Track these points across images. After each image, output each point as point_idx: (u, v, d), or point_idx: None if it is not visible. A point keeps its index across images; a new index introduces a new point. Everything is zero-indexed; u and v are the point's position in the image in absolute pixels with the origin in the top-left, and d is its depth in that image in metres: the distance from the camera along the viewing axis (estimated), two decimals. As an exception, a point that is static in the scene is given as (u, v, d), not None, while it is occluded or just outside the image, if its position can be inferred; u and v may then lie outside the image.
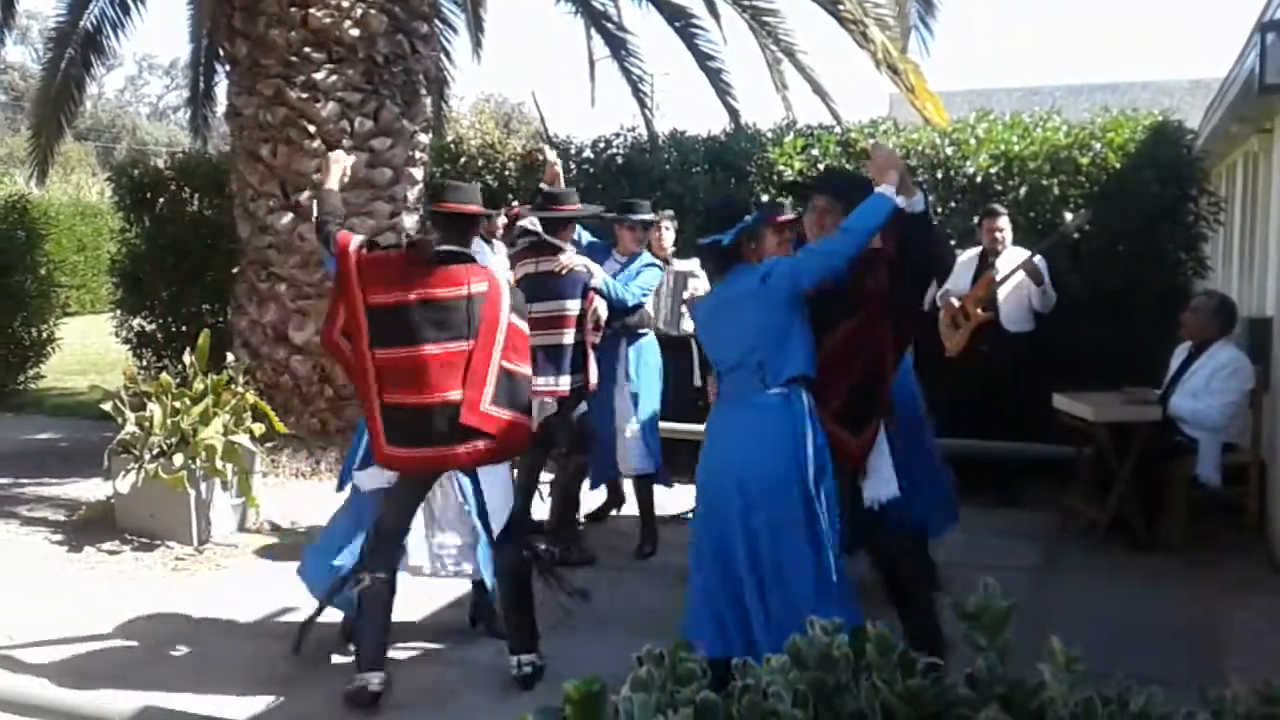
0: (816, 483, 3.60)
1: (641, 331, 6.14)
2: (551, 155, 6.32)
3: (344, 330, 4.10)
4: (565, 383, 5.56)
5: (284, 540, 6.19)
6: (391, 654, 4.39)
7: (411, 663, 4.39)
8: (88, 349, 14.29)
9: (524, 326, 4.20)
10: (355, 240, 4.16)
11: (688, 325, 7.28)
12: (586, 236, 6.14)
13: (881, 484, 4.05)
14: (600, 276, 5.65)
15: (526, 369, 4.20)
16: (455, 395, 3.97)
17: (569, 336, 5.57)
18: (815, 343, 3.78)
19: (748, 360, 3.74)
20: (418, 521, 4.25)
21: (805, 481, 3.58)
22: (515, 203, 6.95)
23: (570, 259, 5.60)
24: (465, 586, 5.26)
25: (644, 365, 6.12)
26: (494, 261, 6.94)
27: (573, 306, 5.57)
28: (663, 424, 6.49)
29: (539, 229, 5.74)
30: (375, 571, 4.05)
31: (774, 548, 3.59)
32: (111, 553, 5.94)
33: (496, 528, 4.14)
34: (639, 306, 5.95)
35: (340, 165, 4.61)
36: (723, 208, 4.17)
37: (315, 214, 4.46)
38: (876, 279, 3.90)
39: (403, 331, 3.97)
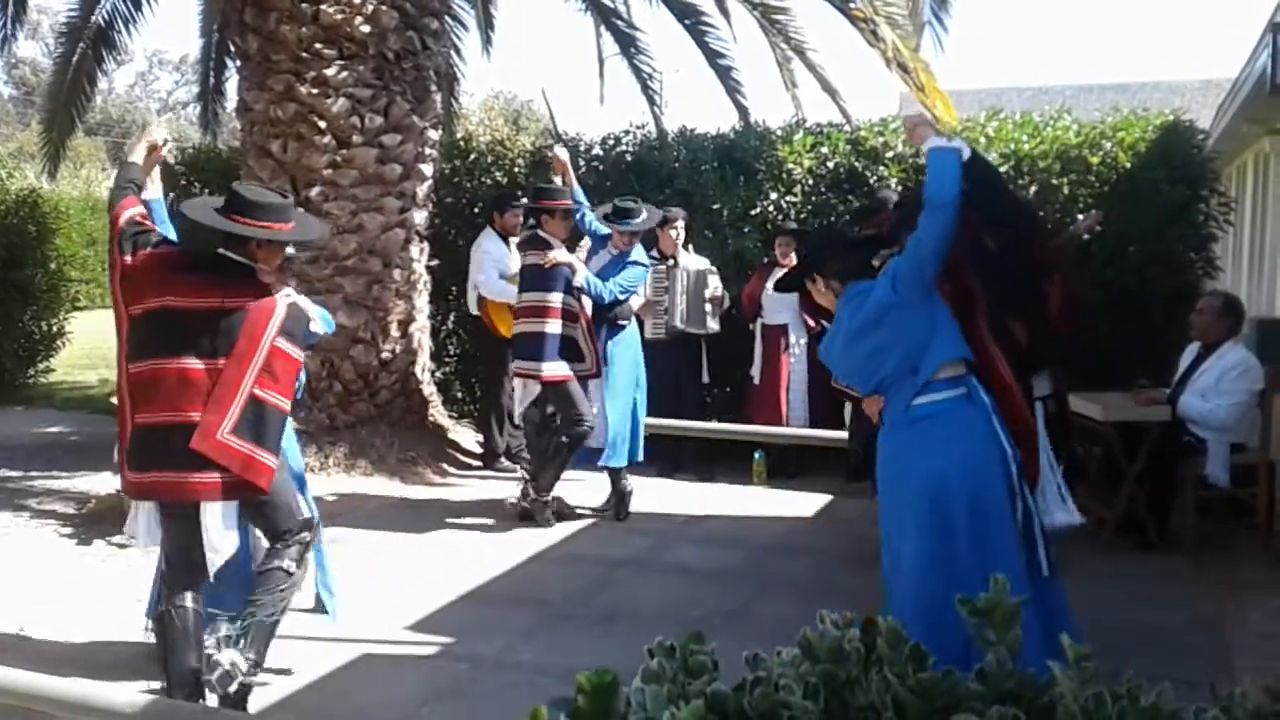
0: (1019, 480, 3.40)
1: (621, 324, 6.39)
2: (561, 152, 6.44)
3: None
4: (554, 369, 5.99)
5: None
6: (399, 651, 4.41)
7: (419, 659, 4.40)
8: (97, 343, 14.33)
9: (294, 353, 3.70)
10: (130, 212, 3.76)
11: (713, 324, 7.36)
12: (602, 229, 6.40)
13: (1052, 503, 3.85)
14: (582, 275, 6.07)
15: (283, 402, 3.65)
16: (194, 417, 3.50)
17: (552, 326, 6.02)
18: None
19: (903, 367, 3.48)
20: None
21: (1009, 478, 3.38)
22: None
23: (555, 255, 6.06)
24: (473, 580, 5.29)
25: (618, 356, 6.34)
26: (509, 255, 7.19)
27: (554, 299, 6.03)
28: (670, 421, 6.54)
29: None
30: (174, 602, 3.64)
31: (982, 546, 3.31)
32: (121, 546, 5.94)
33: (211, 572, 3.63)
34: (619, 302, 6.24)
35: (150, 138, 3.98)
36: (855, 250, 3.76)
37: (113, 183, 3.91)
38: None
39: (150, 342, 3.59)
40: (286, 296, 3.79)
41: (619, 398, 6.30)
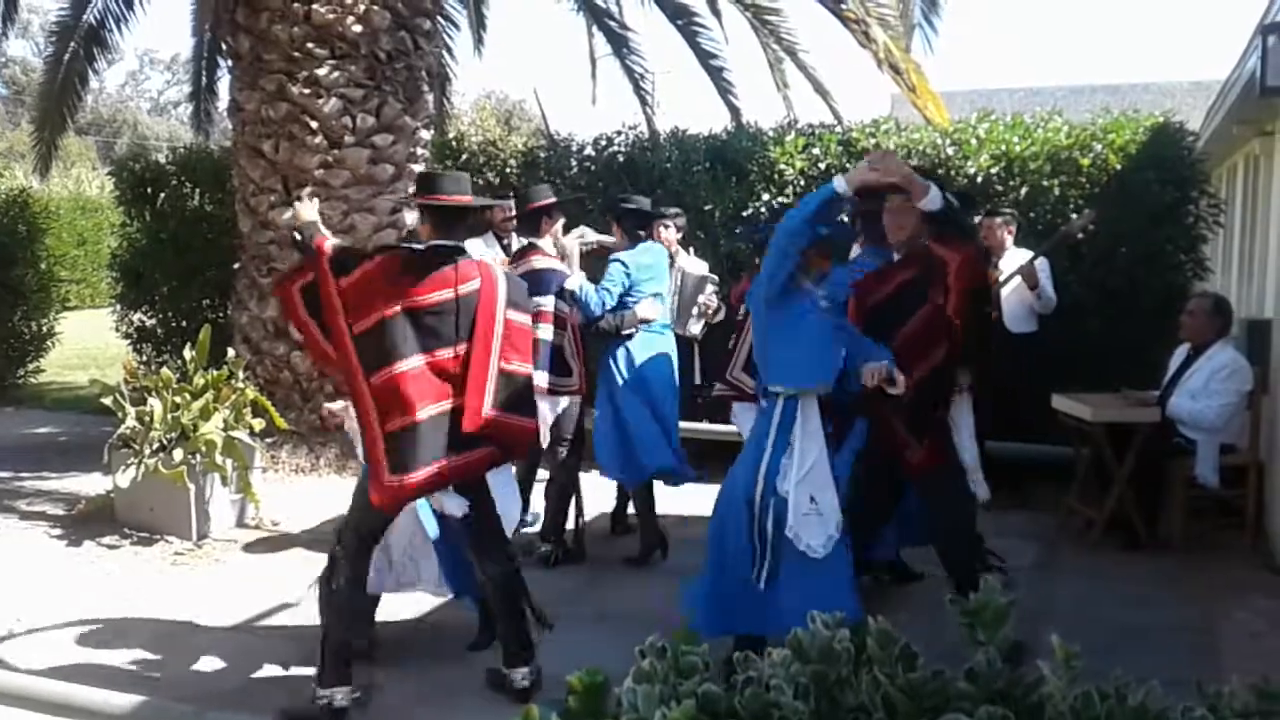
0: (763, 500, 3.76)
1: (627, 333, 5.74)
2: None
3: (331, 355, 3.83)
4: (540, 379, 5.34)
5: (282, 536, 6.20)
6: (392, 651, 4.40)
7: (412, 662, 4.39)
8: (88, 344, 14.29)
9: (525, 321, 4.01)
10: (330, 244, 3.82)
11: (695, 328, 7.31)
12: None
13: None
14: (576, 281, 5.62)
15: (528, 368, 3.99)
16: (450, 405, 3.76)
17: (544, 331, 5.50)
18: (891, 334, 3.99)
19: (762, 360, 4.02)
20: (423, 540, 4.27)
21: (750, 495, 3.78)
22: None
23: (549, 257, 5.68)
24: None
25: (631, 366, 5.73)
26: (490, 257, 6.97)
27: (546, 303, 5.53)
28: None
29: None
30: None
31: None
32: (111, 547, 5.94)
33: (511, 528, 4.22)
34: (607, 311, 5.65)
35: (305, 217, 4.02)
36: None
37: (302, 237, 3.96)
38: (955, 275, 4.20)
39: (393, 348, 3.71)
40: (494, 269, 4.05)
41: (634, 410, 5.67)
